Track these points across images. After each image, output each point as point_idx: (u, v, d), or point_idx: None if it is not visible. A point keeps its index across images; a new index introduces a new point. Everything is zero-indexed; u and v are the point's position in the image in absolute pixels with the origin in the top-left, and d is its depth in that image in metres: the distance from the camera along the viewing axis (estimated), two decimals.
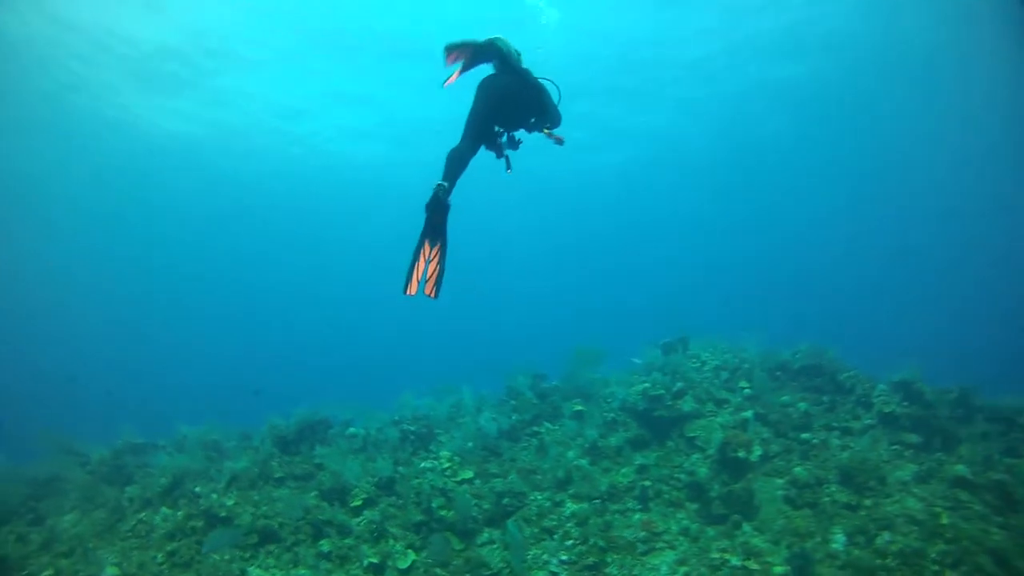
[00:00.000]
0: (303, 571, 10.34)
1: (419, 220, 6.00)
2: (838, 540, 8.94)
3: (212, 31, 23.94)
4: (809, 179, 45.65)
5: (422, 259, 5.98)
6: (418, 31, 23.98)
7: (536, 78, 7.11)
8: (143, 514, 11.82)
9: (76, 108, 29.11)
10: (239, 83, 27.91)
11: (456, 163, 6.27)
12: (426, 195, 5.97)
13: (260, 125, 32.33)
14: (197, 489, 11.97)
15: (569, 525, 10.56)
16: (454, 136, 6.66)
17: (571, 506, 11.02)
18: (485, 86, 6.95)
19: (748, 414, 11.68)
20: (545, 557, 9.91)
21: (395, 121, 31.99)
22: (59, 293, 64.52)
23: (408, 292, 5.92)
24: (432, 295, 5.99)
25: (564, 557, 9.81)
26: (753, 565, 8.77)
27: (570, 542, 10.13)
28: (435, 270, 6.01)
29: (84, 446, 13.88)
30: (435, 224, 6.05)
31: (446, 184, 6.05)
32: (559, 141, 7.13)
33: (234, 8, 22.63)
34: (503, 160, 7.25)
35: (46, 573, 10.66)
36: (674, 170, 41.01)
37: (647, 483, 10.93)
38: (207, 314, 74.77)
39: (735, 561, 8.90)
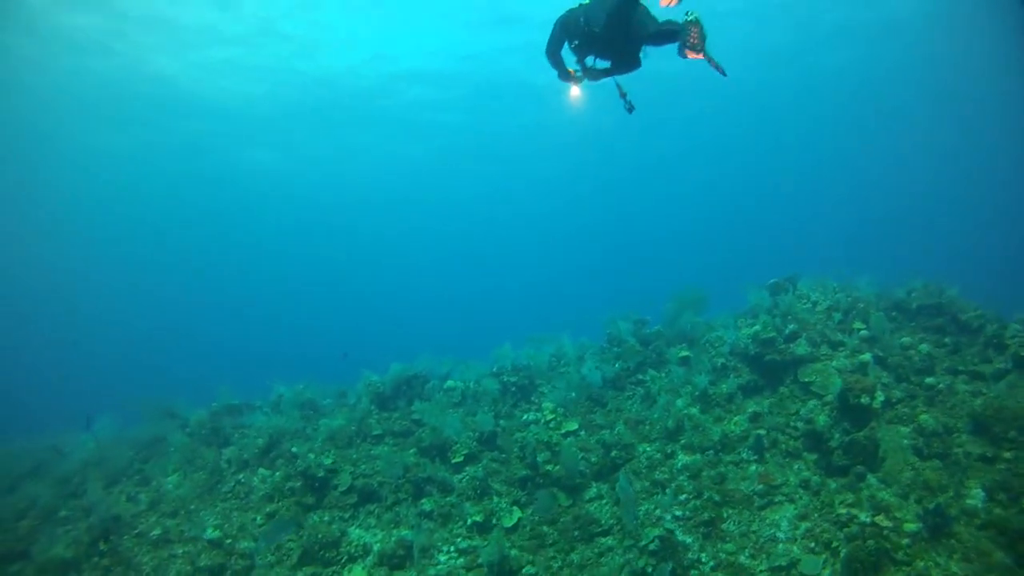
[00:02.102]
0: (405, 531, 10.91)
1: None
2: (976, 496, 9.03)
3: None
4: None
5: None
6: None
7: None
8: (241, 475, 12.51)
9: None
10: None
11: None
12: None
13: None
14: (294, 449, 12.58)
15: (682, 478, 10.88)
16: None
17: (683, 458, 11.34)
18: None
19: (867, 357, 11.73)
20: (658, 513, 10.27)
21: None
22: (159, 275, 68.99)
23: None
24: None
25: (678, 512, 10.18)
26: (884, 521, 8.86)
27: (683, 496, 10.47)
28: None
29: (183, 409, 14.61)
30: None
31: None
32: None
33: None
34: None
35: (155, 532, 11.45)
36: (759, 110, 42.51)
37: (762, 432, 11.13)
38: (293, 286, 78.89)
39: (864, 517, 9.03)
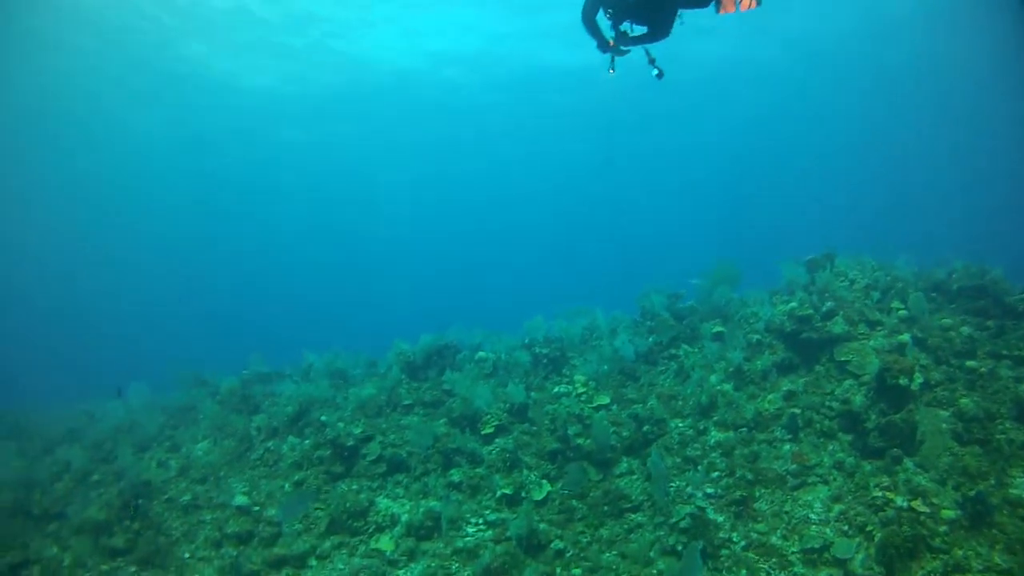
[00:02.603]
0: (433, 502, 11.02)
1: None
2: (1020, 485, 8.90)
3: None
4: None
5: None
6: None
7: None
8: (270, 443, 12.69)
9: None
10: None
11: None
12: None
13: None
14: (323, 418, 12.72)
15: (714, 455, 10.91)
16: None
17: (715, 435, 11.35)
18: None
19: (905, 338, 11.60)
20: (689, 490, 10.30)
21: None
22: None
23: None
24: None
25: (710, 490, 10.21)
26: (921, 507, 8.79)
27: (716, 474, 10.51)
28: None
29: (214, 376, 14.83)
30: None
31: None
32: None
33: None
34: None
35: (184, 498, 11.68)
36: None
37: (796, 411, 11.09)
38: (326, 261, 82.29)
39: (900, 501, 8.97)
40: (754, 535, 9.24)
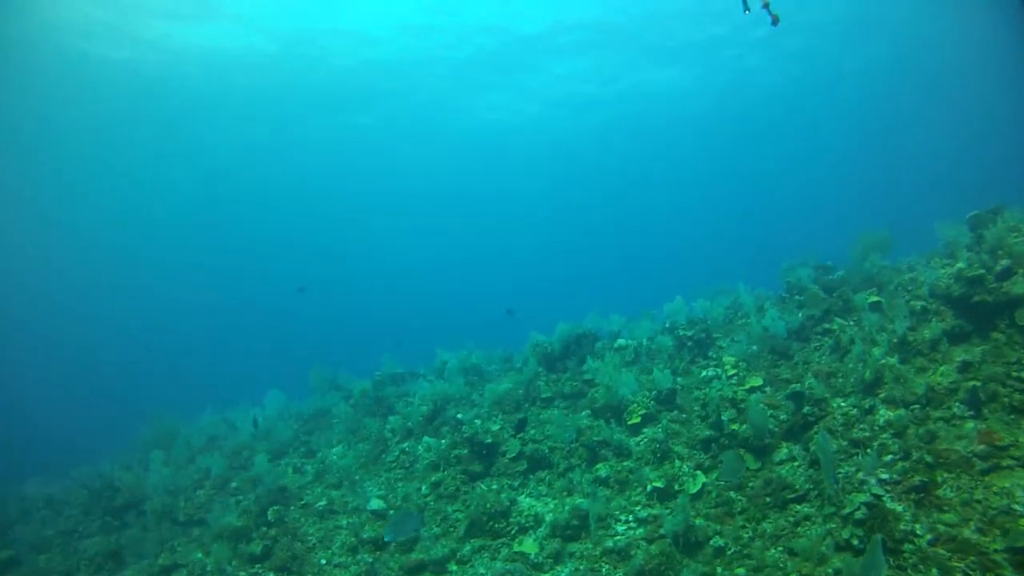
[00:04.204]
0: (579, 499, 10.62)
1: None
2: None
3: None
4: None
5: None
6: None
7: None
8: (405, 444, 12.65)
9: None
10: None
11: None
12: None
13: None
14: (459, 416, 12.52)
15: (885, 436, 10.03)
16: None
17: (884, 413, 10.45)
18: None
19: None
20: (860, 476, 9.47)
21: None
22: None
23: None
24: None
25: (884, 475, 9.37)
26: None
27: (889, 457, 9.63)
28: None
29: (347, 380, 14.98)
30: None
31: None
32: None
33: None
34: None
35: (320, 503, 11.71)
36: None
37: (976, 383, 10.08)
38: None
39: None
40: (941, 527, 8.32)
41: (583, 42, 35.03)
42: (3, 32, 27.52)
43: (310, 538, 11.47)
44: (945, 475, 9.09)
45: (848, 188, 76.16)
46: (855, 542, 8.39)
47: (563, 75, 39.51)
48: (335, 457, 13.32)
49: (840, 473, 9.65)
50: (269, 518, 11.84)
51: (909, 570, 7.92)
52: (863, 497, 8.91)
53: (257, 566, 11.08)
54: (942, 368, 10.68)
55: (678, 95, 44.28)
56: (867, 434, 10.17)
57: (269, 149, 48.21)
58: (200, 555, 11.54)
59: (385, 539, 10.58)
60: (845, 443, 10.21)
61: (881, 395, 10.72)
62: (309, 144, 48.09)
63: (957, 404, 10.04)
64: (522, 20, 32.46)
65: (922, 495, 8.87)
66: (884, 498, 8.93)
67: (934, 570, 7.72)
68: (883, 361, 11.09)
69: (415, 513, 10.75)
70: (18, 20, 27.02)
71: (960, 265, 11.53)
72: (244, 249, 76.93)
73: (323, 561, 10.88)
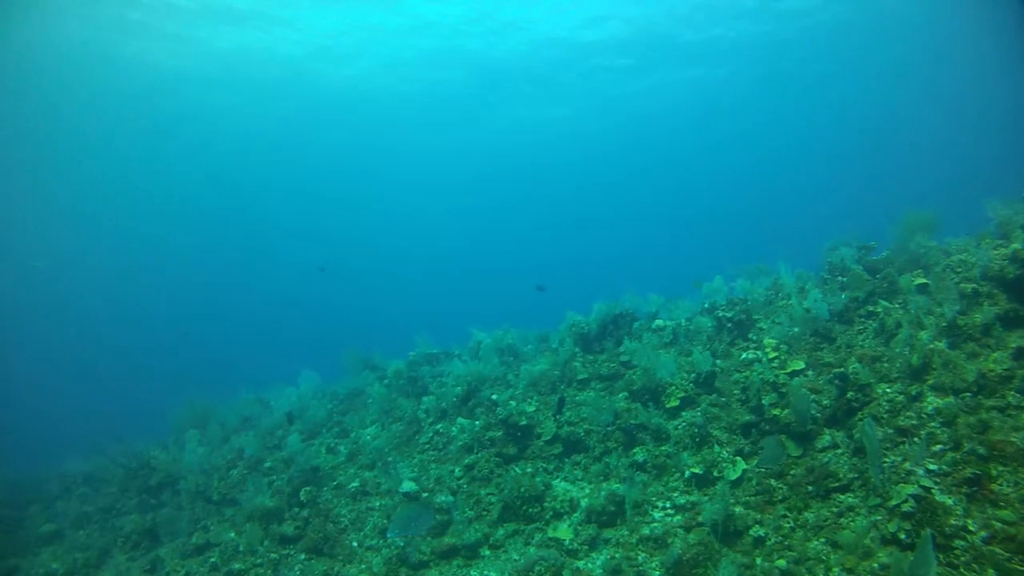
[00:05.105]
0: (615, 484, 10.34)
1: None
2: None
3: None
4: None
5: None
6: None
7: None
8: (439, 425, 12.40)
9: None
10: None
11: None
12: None
13: None
14: (494, 396, 12.25)
15: (933, 425, 9.50)
16: None
17: (933, 400, 9.91)
18: None
19: None
20: (908, 466, 8.99)
21: None
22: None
23: None
24: None
25: (933, 466, 8.89)
26: None
27: (938, 447, 9.13)
28: None
29: (381, 360, 14.81)
30: None
31: None
32: None
33: None
34: None
35: (353, 485, 11.54)
36: None
37: None
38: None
39: None
40: (997, 524, 7.81)
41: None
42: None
43: (342, 519, 11.32)
44: (1000, 468, 8.53)
45: (888, 167, 74.91)
46: (902, 536, 7.97)
47: (599, 61, 39.25)
48: (368, 437, 13.14)
49: (886, 462, 9.18)
50: (302, 499, 11.72)
51: (962, 568, 7.45)
52: (911, 489, 8.45)
53: (289, 547, 10.98)
54: (995, 355, 10.09)
55: (713, 82, 43.63)
56: (914, 422, 9.66)
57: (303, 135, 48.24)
58: (233, 535, 11.46)
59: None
60: (891, 431, 9.72)
61: (929, 381, 10.17)
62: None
63: (1012, 393, 9.47)
64: None
65: (975, 489, 8.34)
66: (933, 490, 8.45)
67: (991, 571, 7.23)
68: (931, 346, 10.53)
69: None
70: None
71: (1016, 246, 10.90)
72: (277, 234, 77.81)
73: (355, 543, 10.72)
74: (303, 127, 47.28)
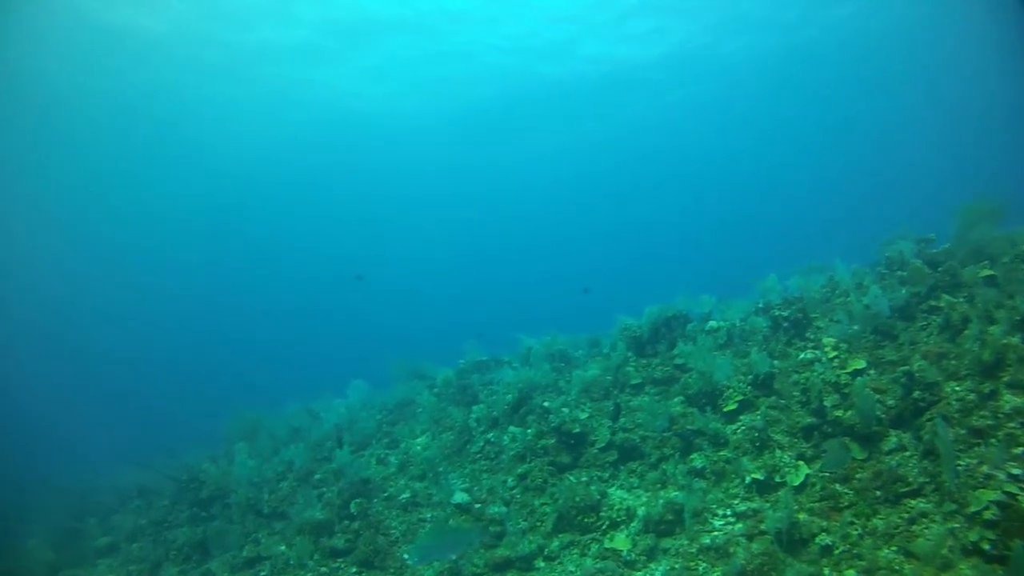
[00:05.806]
0: (673, 492, 9.95)
1: None
2: None
3: None
4: None
5: None
6: None
7: None
8: (491, 435, 12.16)
9: None
10: None
11: None
12: None
13: None
14: (546, 404, 11.96)
15: (1012, 425, 8.86)
16: None
17: (1009, 399, 9.29)
18: None
19: None
20: (986, 469, 8.39)
21: None
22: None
23: None
24: None
25: (1016, 470, 8.27)
26: None
27: (1020, 450, 8.51)
28: None
29: (430, 369, 14.63)
30: None
31: None
32: None
33: None
34: None
35: (404, 496, 11.31)
36: None
37: None
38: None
39: None
40: None
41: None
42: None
43: (393, 532, 11.09)
44: None
45: (942, 158, 73.53)
46: (985, 546, 7.39)
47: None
48: (419, 448, 12.93)
49: (960, 465, 8.60)
50: (352, 511, 11.54)
51: None
52: (992, 495, 7.83)
53: (340, 560, 10.81)
54: None
55: (758, 67, 43.00)
56: (990, 422, 9.03)
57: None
58: (283, 548, 11.30)
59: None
60: (963, 432, 9.11)
61: (1004, 379, 9.53)
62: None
63: None
64: None
65: None
66: (1020, 497, 7.84)
67: None
68: (1004, 341, 9.88)
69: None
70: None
71: None
72: (324, 241, 78.83)
73: (406, 556, 10.43)
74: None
